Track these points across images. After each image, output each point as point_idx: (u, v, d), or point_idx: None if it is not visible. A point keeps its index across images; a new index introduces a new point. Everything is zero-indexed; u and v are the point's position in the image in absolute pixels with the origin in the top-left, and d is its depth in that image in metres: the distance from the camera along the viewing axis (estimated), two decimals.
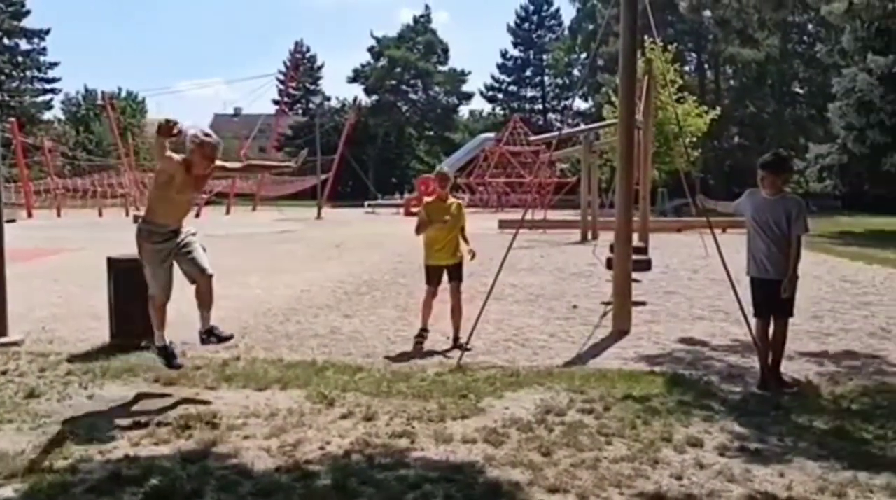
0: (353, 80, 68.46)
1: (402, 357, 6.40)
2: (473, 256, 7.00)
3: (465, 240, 7.02)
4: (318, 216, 34.37)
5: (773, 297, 5.53)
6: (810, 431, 4.48)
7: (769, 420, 4.67)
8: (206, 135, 5.20)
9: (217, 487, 3.58)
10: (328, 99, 67.51)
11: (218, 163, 5.40)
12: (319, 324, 7.84)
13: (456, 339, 6.79)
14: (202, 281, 5.35)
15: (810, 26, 45.24)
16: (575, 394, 5.13)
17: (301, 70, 65.84)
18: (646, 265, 9.86)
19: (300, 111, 68.93)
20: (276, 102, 57.07)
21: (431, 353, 6.60)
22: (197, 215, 35.51)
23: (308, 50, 70.12)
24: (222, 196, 42.22)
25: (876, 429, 4.51)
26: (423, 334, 6.92)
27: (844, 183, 27.92)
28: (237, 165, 6.72)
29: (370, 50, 68.23)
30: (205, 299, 5.41)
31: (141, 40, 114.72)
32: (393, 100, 66.73)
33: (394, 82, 66.50)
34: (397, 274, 12.34)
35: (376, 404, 4.87)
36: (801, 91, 51.20)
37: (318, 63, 71.58)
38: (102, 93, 52.71)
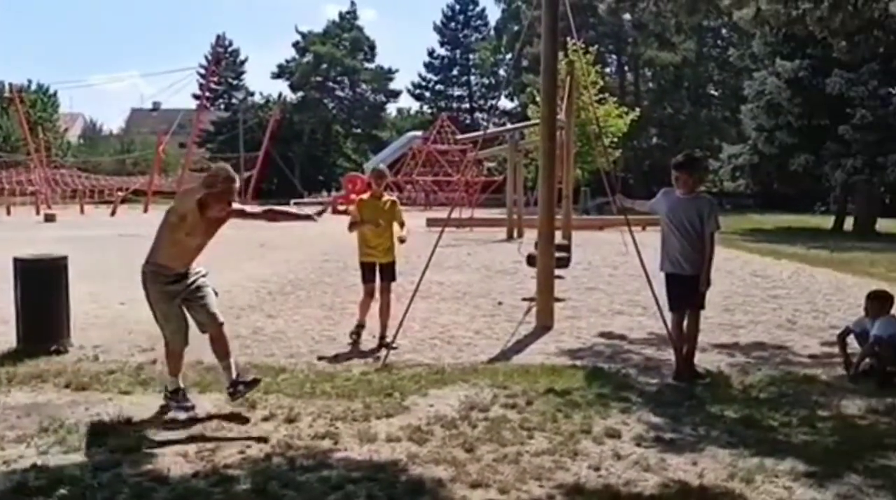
0: (277, 75, 67.22)
1: (328, 357, 6.33)
2: (403, 240, 6.95)
3: (401, 225, 6.92)
4: None
5: (686, 292, 5.74)
6: (721, 420, 4.68)
7: (683, 410, 4.85)
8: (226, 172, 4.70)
9: (131, 495, 3.46)
10: (252, 94, 66.18)
11: (236, 206, 4.88)
12: (241, 325, 7.66)
13: (382, 338, 6.76)
14: (214, 329, 4.78)
15: (724, 31, 47.14)
16: (499, 390, 5.20)
17: (223, 64, 64.13)
18: (564, 262, 10.07)
19: (222, 107, 67.20)
20: (196, 97, 55.38)
21: (358, 352, 6.56)
22: (112, 214, 34.28)
23: (230, 44, 68.43)
24: (140, 194, 40.76)
25: (782, 416, 4.74)
26: (358, 330, 6.90)
27: (755, 182, 29.25)
28: (257, 209, 5.82)
29: (295, 45, 67.17)
30: (220, 349, 4.77)
31: (52, 30, 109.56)
32: (319, 96, 65.88)
33: (320, 79, 65.65)
34: (323, 273, 12.21)
35: (299, 405, 4.80)
36: (715, 94, 53.34)
37: (241, 57, 69.98)
38: (10, 85, 50.05)
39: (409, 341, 6.88)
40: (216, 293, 4.98)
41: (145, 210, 37.42)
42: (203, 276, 4.96)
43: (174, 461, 3.87)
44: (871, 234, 23.98)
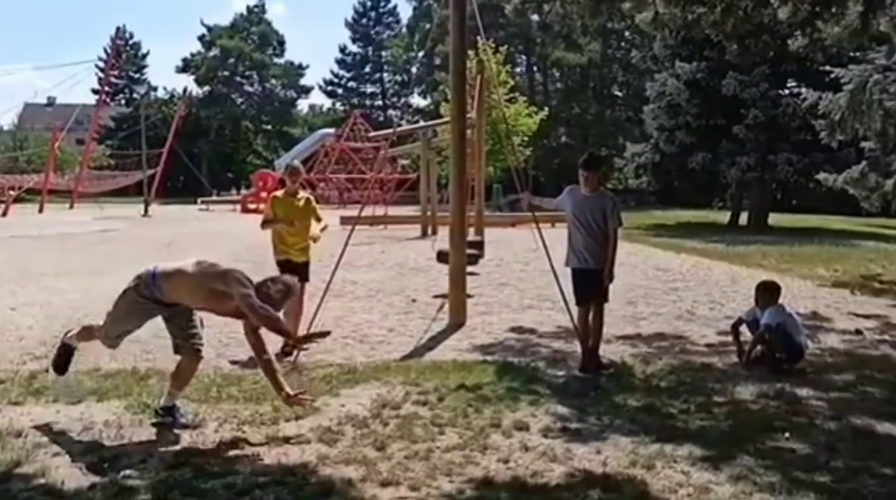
0: (182, 69, 64.90)
1: (236, 360, 6.16)
2: (315, 239, 6.83)
3: (319, 221, 6.78)
4: (146, 214, 32.26)
5: (591, 286, 5.93)
6: (625, 409, 4.85)
7: (589, 401, 5.00)
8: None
9: None
10: (154, 89, 63.50)
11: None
12: (143, 329, 7.32)
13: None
14: (188, 359, 4.52)
15: (627, 34, 48.77)
16: (411, 387, 5.21)
17: (124, 58, 61.33)
18: (475, 259, 10.19)
19: (123, 102, 64.33)
20: (95, 92, 52.81)
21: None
22: (4, 214, 32.19)
23: (131, 36, 65.56)
24: (34, 193, 38.48)
25: (681, 404, 4.96)
26: (288, 344, 6.37)
27: (657, 180, 30.37)
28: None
29: (201, 39, 65.03)
30: (181, 378, 4.53)
31: None
32: (227, 92, 64.07)
33: (227, 73, 63.84)
34: None
35: (204, 410, 4.65)
36: (620, 94, 55.18)
37: (143, 51, 67.19)
38: None
39: (321, 341, 6.78)
40: (202, 323, 4.80)
41: (40, 210, 35.37)
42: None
43: (69, 472, 3.69)
44: (764, 228, 25.40)
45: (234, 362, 6.06)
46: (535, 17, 48.84)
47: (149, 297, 4.42)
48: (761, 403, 5.02)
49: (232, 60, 63.54)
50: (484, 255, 12.12)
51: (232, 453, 3.98)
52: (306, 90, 69.83)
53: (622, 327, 7.57)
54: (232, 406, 4.77)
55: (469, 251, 11.04)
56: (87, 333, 4.77)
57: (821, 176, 18.37)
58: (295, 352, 6.19)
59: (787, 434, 4.34)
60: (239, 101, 66.15)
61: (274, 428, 4.35)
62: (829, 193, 19.86)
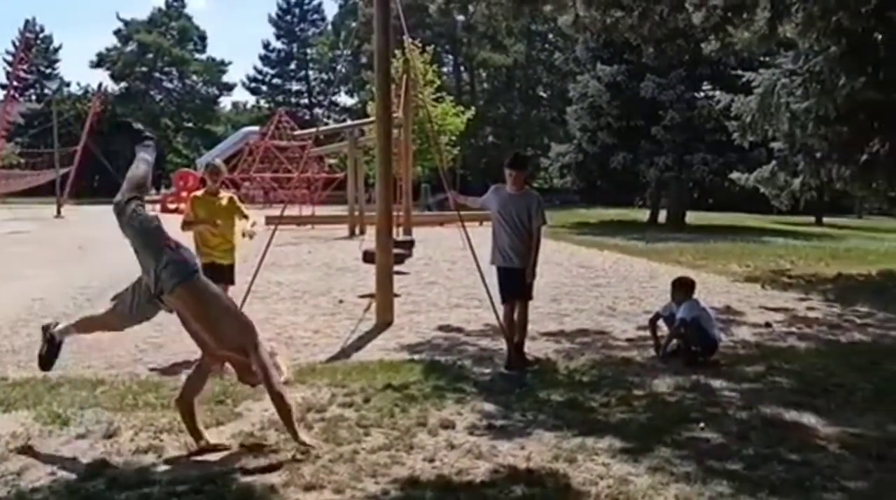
0: (97, 65, 62.33)
1: (154, 366, 5.96)
2: (251, 236, 6.67)
3: (245, 218, 6.60)
4: (58, 215, 30.83)
5: (516, 284, 6.02)
6: (548, 404, 4.94)
7: (514, 398, 5.06)
8: None
9: None
10: (67, 85, 60.69)
11: None
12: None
13: None
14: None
15: (551, 36, 49.71)
16: (337, 389, 5.16)
17: (33, 51, 58.36)
18: (401, 259, 10.19)
19: (33, 98, 61.21)
20: (3, 87, 50.16)
21: (187, 360, 6.22)
22: None
23: (42, 29, 62.44)
24: None
25: (602, 397, 5.09)
26: None
27: (581, 179, 31.07)
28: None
29: (117, 33, 62.56)
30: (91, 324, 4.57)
31: None
32: (145, 88, 61.91)
33: (145, 69, 61.67)
34: None
35: (119, 419, 4.48)
36: (544, 95, 56.11)
37: (55, 44, 64.12)
38: None
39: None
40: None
41: None
42: None
43: None
44: (681, 226, 26.33)
45: (152, 369, 5.85)
46: (461, 18, 49.21)
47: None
48: (678, 395, 5.20)
49: (150, 56, 61.45)
50: (412, 254, 12.12)
51: (148, 462, 3.85)
52: (229, 87, 68.24)
53: (547, 324, 7.71)
54: (149, 414, 4.60)
55: (396, 251, 11.04)
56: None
57: (734, 175, 19.15)
58: None
59: (701, 425, 4.51)
60: (158, 97, 64.03)
61: None
62: (742, 191, 20.70)
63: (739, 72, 13.85)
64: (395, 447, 4.03)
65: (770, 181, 15.40)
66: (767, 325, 7.86)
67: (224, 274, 6.49)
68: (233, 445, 4.07)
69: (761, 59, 14.00)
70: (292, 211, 26.47)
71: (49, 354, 4.43)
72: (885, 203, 16.94)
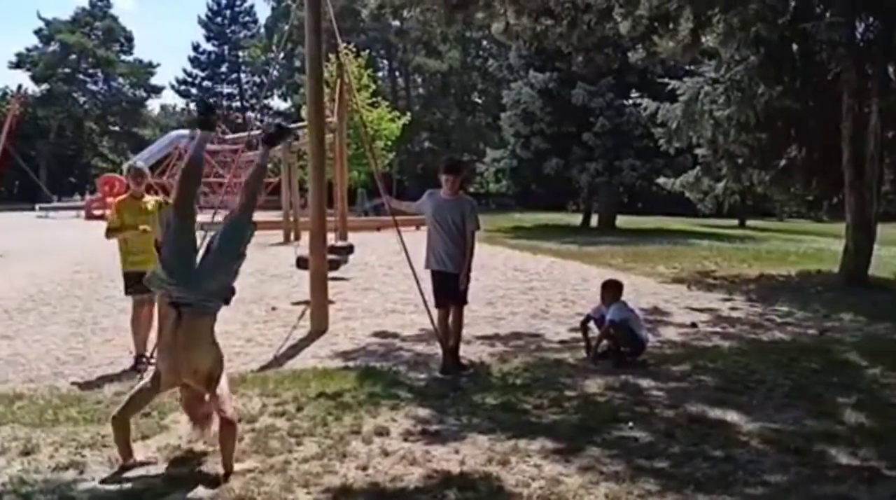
0: (16, 65, 59.53)
1: (76, 379, 5.73)
2: None
3: None
4: None
5: (451, 288, 6.04)
6: (483, 407, 4.97)
7: (449, 402, 5.08)
8: None
9: None
10: None
11: None
12: None
13: (140, 354, 6.25)
14: None
15: (485, 43, 50.21)
16: (268, 398, 5.07)
17: None
18: (335, 265, 10.11)
19: None
20: None
21: (112, 371, 6.01)
22: None
23: None
24: None
25: (535, 399, 5.16)
26: (141, 361, 6.01)
27: (516, 184, 31.50)
28: None
29: (38, 33, 59.95)
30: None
31: None
32: (68, 90, 59.46)
33: (68, 71, 59.28)
34: (73, 285, 11.05)
35: (38, 435, 4.29)
36: (479, 101, 56.62)
37: None
38: None
39: None
40: None
41: None
42: None
43: None
44: (612, 229, 26.99)
45: (73, 383, 5.63)
46: (397, 23, 49.21)
47: None
48: (608, 395, 5.31)
49: (73, 57, 59.10)
50: (348, 260, 12.01)
51: (69, 478, 3.70)
52: (157, 90, 66.24)
53: (482, 328, 7.76)
54: (71, 429, 4.42)
55: (331, 257, 10.93)
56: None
57: (661, 180, 19.78)
58: (142, 366, 5.85)
59: (630, 424, 4.62)
60: (82, 100, 61.64)
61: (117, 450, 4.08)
62: (669, 195, 21.40)
63: (665, 80, 14.27)
64: (327, 455, 3.99)
65: (695, 186, 15.96)
66: (693, 325, 8.12)
67: None
68: (159, 459, 3.94)
69: (686, 67, 14.46)
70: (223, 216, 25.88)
71: None
72: (802, 206, 17.75)
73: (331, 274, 10.50)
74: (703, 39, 10.37)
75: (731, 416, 4.83)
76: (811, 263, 15.02)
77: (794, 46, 11.86)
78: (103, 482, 3.66)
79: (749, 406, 5.04)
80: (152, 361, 5.99)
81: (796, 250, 18.98)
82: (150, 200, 6.42)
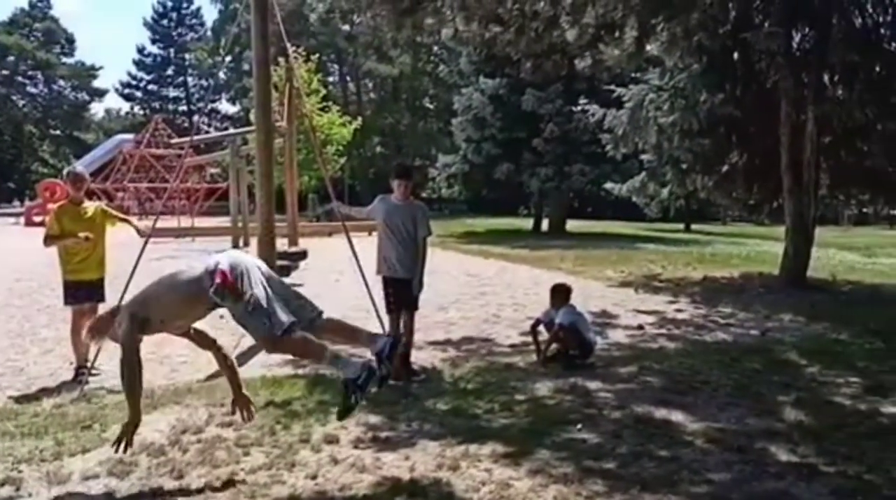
0: None
1: (12, 392, 5.52)
2: (141, 233, 6.39)
3: (129, 222, 6.45)
4: None
5: (402, 294, 6.02)
6: (434, 413, 4.97)
7: (400, 408, 5.06)
8: None
9: None
10: None
11: None
12: None
13: (80, 365, 6.06)
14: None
15: (436, 48, 50.31)
16: (215, 408, 4.97)
17: None
18: (286, 271, 10.01)
19: None
20: None
21: (52, 383, 5.81)
22: None
23: None
24: None
25: (485, 403, 5.18)
26: (82, 372, 5.81)
27: (467, 189, 31.67)
28: None
29: None
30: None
31: None
32: (6, 92, 57.52)
33: (6, 73, 57.33)
34: (12, 295, 10.65)
35: None
36: (431, 106, 56.72)
37: None
38: None
39: (115, 365, 6.25)
40: None
41: None
42: None
43: None
44: (562, 233, 27.34)
45: (10, 396, 5.43)
46: (347, 28, 49.00)
47: None
48: (557, 398, 5.37)
49: (11, 59, 57.19)
50: (298, 266, 11.88)
51: (3, 496, 3.56)
52: (100, 93, 64.53)
53: (434, 333, 7.76)
54: (7, 444, 4.27)
55: (282, 263, 10.81)
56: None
57: (608, 185, 20.14)
58: (84, 379, 5.68)
59: (579, 426, 4.68)
60: (21, 103, 59.67)
61: (56, 464, 3.95)
62: (618, 200, 21.83)
63: (612, 87, 14.55)
64: (276, 465, 3.93)
65: (641, 191, 16.31)
66: (640, 327, 8.28)
67: (94, 291, 6.14)
68: (101, 473, 3.83)
69: (632, 75, 14.76)
70: (171, 223, 25.37)
71: None
72: (744, 211, 18.29)
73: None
74: (648, 48, 10.61)
75: (677, 416, 4.93)
76: (753, 265, 15.47)
77: (735, 55, 12.22)
78: (39, 497, 3.54)
79: (693, 406, 5.16)
80: (93, 371, 5.84)
81: (739, 253, 19.52)
82: (91, 207, 6.25)
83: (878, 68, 11.58)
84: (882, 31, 11.54)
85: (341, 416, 3.80)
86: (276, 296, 3.66)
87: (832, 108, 11.50)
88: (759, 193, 14.11)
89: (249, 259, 3.83)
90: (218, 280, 3.53)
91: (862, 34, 11.39)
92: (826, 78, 11.86)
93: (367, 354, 3.87)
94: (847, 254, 19.75)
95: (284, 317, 3.56)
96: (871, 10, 11.69)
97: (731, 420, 4.85)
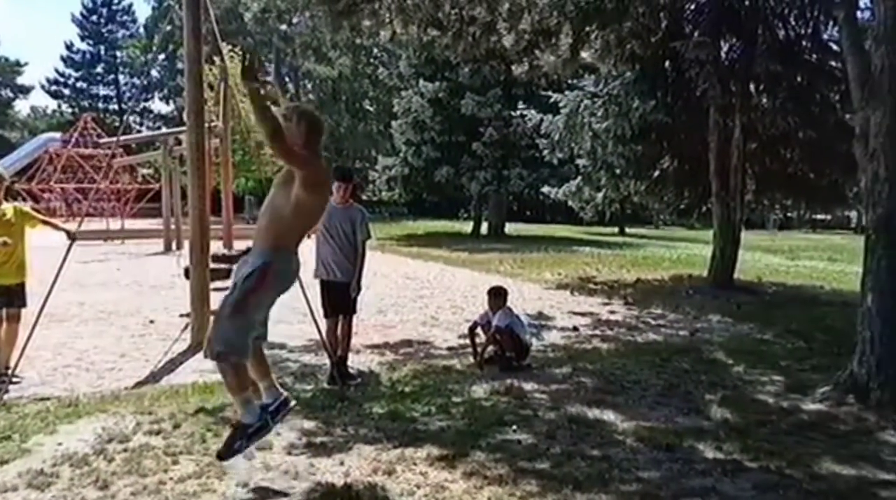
0: None
1: None
2: (70, 235, 6.18)
3: (53, 225, 6.24)
4: None
5: (339, 297, 5.97)
6: (370, 417, 4.94)
7: (335, 413, 5.01)
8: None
9: None
10: None
11: None
12: None
13: (0, 373, 5.78)
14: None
15: (376, 50, 50.11)
16: (143, 416, 4.82)
17: None
18: (225, 274, 9.77)
19: None
20: None
21: None
22: None
23: None
24: None
25: (422, 407, 5.18)
26: (2, 381, 5.54)
27: (408, 192, 31.58)
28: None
29: None
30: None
31: None
32: None
33: None
34: None
35: None
36: (371, 109, 56.42)
37: None
38: None
39: (38, 373, 6.03)
40: None
41: None
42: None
43: None
44: (502, 236, 27.61)
45: None
46: (284, 27, 48.34)
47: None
48: (493, 399, 5.41)
49: None
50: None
51: None
52: (25, 90, 61.85)
53: (371, 337, 7.72)
54: None
55: (218, 266, 10.56)
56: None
57: (545, 189, 20.45)
58: (3, 385, 5.43)
59: (514, 427, 4.73)
60: None
61: None
62: (555, 204, 22.18)
63: (549, 93, 14.78)
64: (206, 473, 3.84)
65: (577, 195, 16.62)
66: (575, 329, 8.43)
67: (13, 296, 5.87)
68: (19, 485, 3.66)
69: (569, 82, 15.05)
70: (100, 225, 24.53)
71: None
72: (675, 214, 18.84)
73: (219, 284, 10.15)
74: (583, 55, 10.82)
75: (609, 415, 5.04)
76: (683, 267, 15.95)
77: (666, 64, 12.59)
78: None
79: (625, 406, 5.28)
80: (14, 378, 5.60)
81: (670, 255, 20.09)
82: (9, 208, 5.97)
83: (799, 78, 12.09)
84: (803, 42, 12.05)
85: (223, 456, 3.72)
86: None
87: (757, 116, 11.96)
88: (688, 198, 14.56)
89: None
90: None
91: (785, 46, 11.88)
92: (752, 87, 12.32)
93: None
94: (772, 257, 20.58)
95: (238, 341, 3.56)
96: (793, 23, 12.20)
97: (661, 419, 4.99)
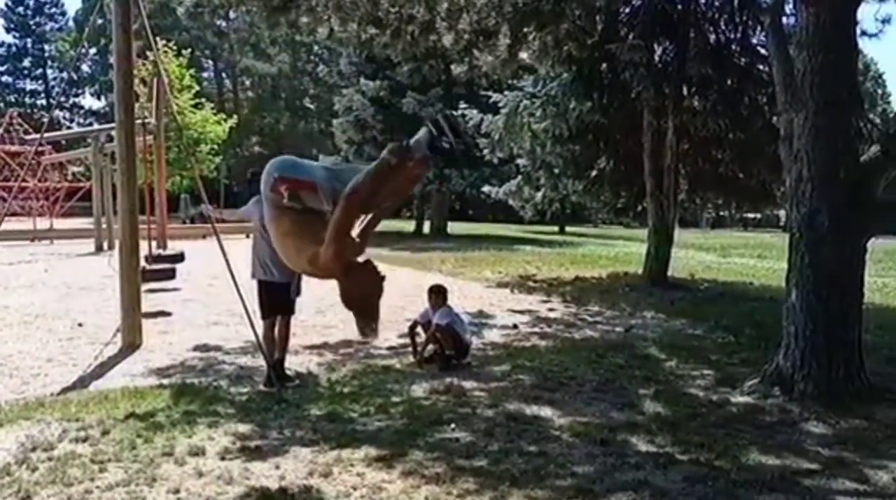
0: None
1: None
2: None
3: None
4: None
5: (277, 298, 5.88)
6: (307, 419, 4.88)
7: (271, 416, 4.93)
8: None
9: None
10: None
11: None
12: None
13: None
14: None
15: (316, 48, 49.58)
16: (69, 423, 4.64)
17: None
18: (171, 273, 9.60)
19: None
20: None
21: None
22: None
23: None
24: None
25: (361, 407, 5.15)
26: None
27: None
28: None
29: None
30: None
31: None
32: None
33: None
34: None
35: None
36: (311, 107, 55.78)
37: None
38: None
39: None
40: None
41: None
42: None
43: None
44: (444, 235, 27.68)
45: None
46: (222, 23, 47.32)
47: None
48: (433, 398, 5.42)
49: None
50: (175, 269, 11.31)
51: None
52: None
53: (311, 338, 7.63)
54: None
55: (161, 266, 10.29)
56: None
57: (486, 188, 20.61)
58: None
59: (453, 425, 4.74)
60: None
61: None
62: (497, 203, 22.35)
63: (489, 93, 14.89)
64: (134, 481, 3.72)
65: (517, 194, 16.81)
66: (514, 326, 8.51)
67: None
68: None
69: (509, 82, 15.18)
70: (27, 225, 23.57)
71: None
72: (612, 213, 19.24)
73: (151, 285, 9.91)
74: (521, 55, 10.94)
75: (545, 411, 5.10)
76: (620, 265, 16.29)
77: (602, 66, 12.83)
78: None
79: (561, 402, 5.36)
80: None
81: (607, 253, 20.50)
82: None
83: (729, 81, 12.50)
84: (733, 47, 12.46)
85: None
86: None
87: (689, 117, 12.30)
88: (624, 197, 14.89)
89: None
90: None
91: (715, 49, 12.26)
92: (684, 89, 12.67)
93: None
94: (705, 254, 21.23)
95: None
96: (723, 28, 12.61)
97: (596, 414, 5.08)
